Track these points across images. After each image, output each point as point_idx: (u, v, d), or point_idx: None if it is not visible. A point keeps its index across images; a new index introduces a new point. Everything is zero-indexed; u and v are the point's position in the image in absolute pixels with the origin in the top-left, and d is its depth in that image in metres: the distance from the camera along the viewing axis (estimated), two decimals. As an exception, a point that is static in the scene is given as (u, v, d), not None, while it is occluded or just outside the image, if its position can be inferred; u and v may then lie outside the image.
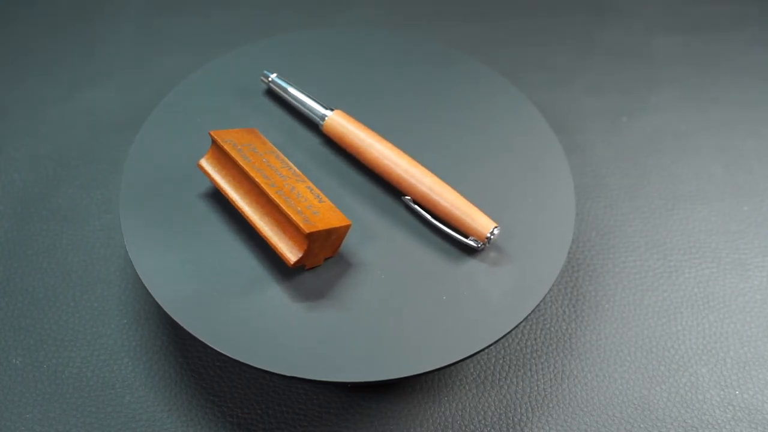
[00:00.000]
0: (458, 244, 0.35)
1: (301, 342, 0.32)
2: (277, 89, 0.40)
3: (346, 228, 0.34)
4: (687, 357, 0.39)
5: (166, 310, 0.32)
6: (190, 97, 0.40)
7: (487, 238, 0.34)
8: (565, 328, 0.40)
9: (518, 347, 0.39)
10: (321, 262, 0.34)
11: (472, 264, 0.34)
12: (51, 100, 0.49)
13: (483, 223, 0.34)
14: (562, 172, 0.38)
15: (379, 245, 0.35)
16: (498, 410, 0.37)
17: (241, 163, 0.35)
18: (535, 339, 0.39)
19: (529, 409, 0.37)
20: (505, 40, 0.54)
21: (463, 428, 0.36)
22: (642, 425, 0.37)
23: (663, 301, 0.41)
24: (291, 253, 0.33)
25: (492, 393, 0.37)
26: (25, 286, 0.40)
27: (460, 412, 0.37)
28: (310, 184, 0.35)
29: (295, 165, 0.37)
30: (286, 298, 0.33)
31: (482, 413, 0.37)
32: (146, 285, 0.33)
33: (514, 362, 0.38)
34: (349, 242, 0.35)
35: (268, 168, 0.35)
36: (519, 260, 0.35)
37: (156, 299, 0.32)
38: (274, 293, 0.33)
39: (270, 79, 0.40)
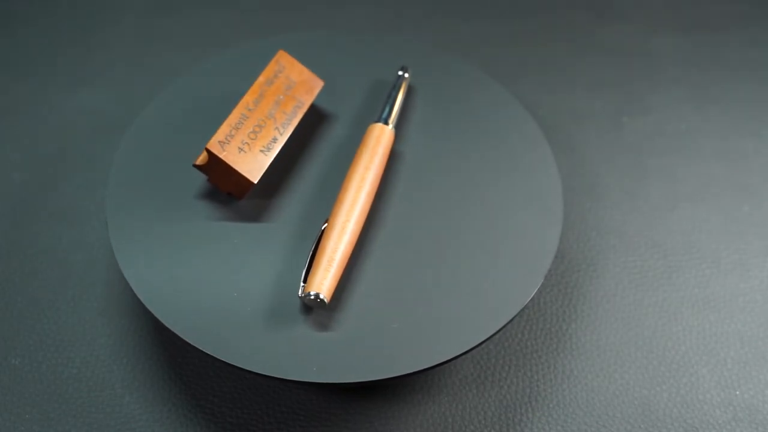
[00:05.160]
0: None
1: (297, 345, 0.32)
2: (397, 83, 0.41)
3: (249, 183, 0.34)
4: (687, 357, 0.39)
5: (160, 319, 0.32)
6: (186, 97, 0.40)
7: (308, 294, 0.32)
8: (565, 328, 0.39)
9: (518, 347, 0.39)
10: (223, 190, 0.35)
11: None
12: (50, 100, 0.49)
13: (316, 282, 0.32)
14: (549, 171, 0.38)
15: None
16: (497, 410, 0.37)
17: (259, 80, 0.36)
18: (535, 338, 0.39)
19: (529, 409, 0.37)
20: (504, 39, 0.54)
21: (463, 428, 0.36)
22: (642, 425, 0.36)
23: (663, 301, 0.41)
24: (203, 158, 0.35)
25: (491, 393, 0.37)
26: (25, 286, 0.40)
27: (459, 412, 0.37)
28: (279, 137, 0.36)
29: (325, 137, 0.38)
30: (280, 302, 0.33)
31: (482, 413, 0.37)
32: (137, 293, 0.33)
33: (514, 362, 0.38)
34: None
35: (272, 101, 0.36)
36: (508, 257, 0.35)
37: (149, 308, 0.32)
38: (267, 300, 0.33)
39: (400, 73, 0.41)
